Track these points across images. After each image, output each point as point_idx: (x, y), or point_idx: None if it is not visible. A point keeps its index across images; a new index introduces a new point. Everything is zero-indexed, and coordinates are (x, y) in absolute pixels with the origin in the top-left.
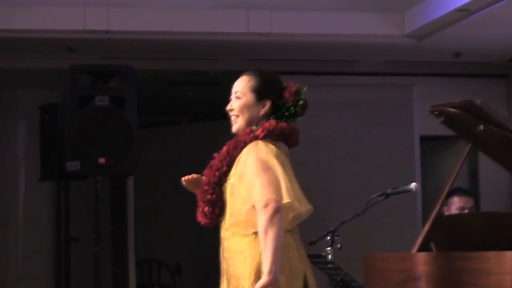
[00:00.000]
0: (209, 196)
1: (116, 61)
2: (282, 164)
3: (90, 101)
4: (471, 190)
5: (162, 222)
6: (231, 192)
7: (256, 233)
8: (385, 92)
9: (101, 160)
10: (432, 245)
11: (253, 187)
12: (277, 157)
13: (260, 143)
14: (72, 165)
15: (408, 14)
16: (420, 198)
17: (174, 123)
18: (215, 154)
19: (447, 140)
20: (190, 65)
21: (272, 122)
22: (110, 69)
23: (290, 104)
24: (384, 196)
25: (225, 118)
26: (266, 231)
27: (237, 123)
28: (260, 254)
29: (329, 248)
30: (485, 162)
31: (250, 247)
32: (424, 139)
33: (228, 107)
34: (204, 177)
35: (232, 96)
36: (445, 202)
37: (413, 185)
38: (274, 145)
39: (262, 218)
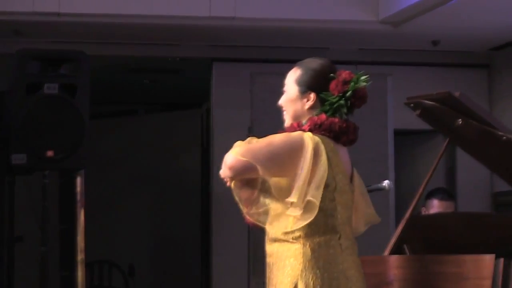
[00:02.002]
0: (236, 191)
1: (67, 46)
2: (328, 160)
3: (39, 89)
4: (449, 189)
5: (115, 221)
6: (259, 186)
7: (298, 238)
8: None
9: (50, 153)
10: (406, 247)
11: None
12: (317, 153)
13: (302, 132)
14: (18, 158)
15: None
16: (393, 197)
17: (130, 113)
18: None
19: (424, 135)
20: (147, 51)
21: (322, 116)
22: (61, 54)
23: (335, 96)
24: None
25: (186, 109)
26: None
27: (286, 120)
28: (302, 265)
29: None
30: (463, 159)
31: (291, 254)
32: (398, 133)
33: (279, 103)
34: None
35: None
36: (423, 202)
37: (386, 183)
38: (322, 140)
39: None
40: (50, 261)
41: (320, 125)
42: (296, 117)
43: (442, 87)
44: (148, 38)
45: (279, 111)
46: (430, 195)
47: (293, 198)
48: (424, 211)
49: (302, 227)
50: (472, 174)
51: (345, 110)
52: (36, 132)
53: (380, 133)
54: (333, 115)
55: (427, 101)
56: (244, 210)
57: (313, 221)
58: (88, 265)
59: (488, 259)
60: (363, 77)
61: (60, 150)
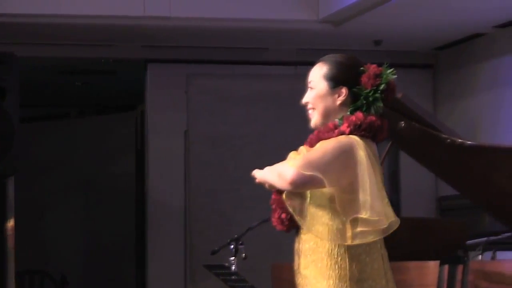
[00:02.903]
0: (289, 202)
1: None
2: (372, 166)
3: None
4: (391, 194)
5: (47, 228)
6: (309, 195)
7: (341, 247)
8: (297, 84)
9: None
10: None
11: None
12: (368, 156)
13: (348, 136)
14: None
15: None
16: None
17: (62, 116)
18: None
19: None
20: (80, 52)
21: (359, 115)
22: None
23: (369, 90)
24: None
25: (120, 111)
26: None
27: (313, 117)
28: (348, 271)
29: (233, 258)
30: (407, 163)
31: (335, 268)
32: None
33: (303, 100)
34: None
35: (308, 87)
36: None
37: None
38: (365, 144)
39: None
40: None
41: (360, 125)
42: (327, 114)
43: None
44: (80, 38)
45: (216, 114)
46: None
47: (369, 215)
48: None
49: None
50: (416, 178)
51: (380, 104)
52: None
53: None
54: (367, 110)
55: None
56: (280, 216)
57: None
58: (18, 275)
59: (432, 266)
60: (389, 70)
61: None
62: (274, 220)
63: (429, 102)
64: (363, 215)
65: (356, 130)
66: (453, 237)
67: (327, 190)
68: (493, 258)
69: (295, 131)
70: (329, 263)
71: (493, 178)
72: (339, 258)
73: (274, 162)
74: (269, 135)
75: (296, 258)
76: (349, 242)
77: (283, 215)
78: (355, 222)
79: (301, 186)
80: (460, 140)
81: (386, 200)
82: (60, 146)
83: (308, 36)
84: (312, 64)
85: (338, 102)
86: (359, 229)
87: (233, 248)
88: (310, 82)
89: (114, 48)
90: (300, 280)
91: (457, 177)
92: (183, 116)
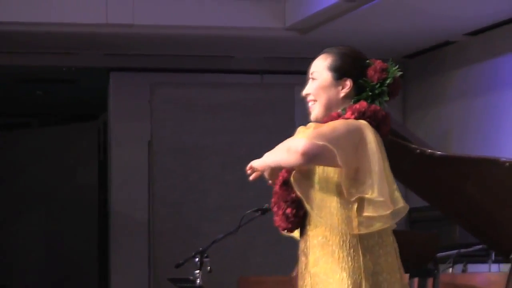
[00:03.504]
0: (293, 195)
1: None
2: (381, 151)
3: None
4: None
5: (6, 240)
6: (317, 180)
7: (353, 238)
8: (263, 93)
9: None
10: None
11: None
12: (377, 141)
13: (356, 120)
14: None
15: (289, 4)
16: None
17: (23, 126)
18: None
19: None
20: (40, 60)
21: (363, 103)
22: None
23: (375, 82)
24: (261, 211)
25: (82, 121)
26: (277, 150)
27: (314, 109)
28: (361, 263)
29: (198, 271)
30: None
31: (348, 260)
32: None
33: (303, 92)
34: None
35: (308, 79)
36: None
37: None
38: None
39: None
40: None
41: (364, 112)
42: (329, 106)
43: None
44: (41, 46)
45: (181, 123)
46: None
47: (375, 195)
48: None
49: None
50: None
51: (387, 97)
52: None
53: None
54: (371, 103)
55: None
56: (284, 212)
57: None
58: None
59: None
60: (395, 67)
61: None
62: (278, 218)
63: (398, 111)
64: (369, 194)
65: (360, 117)
66: (423, 249)
67: (334, 174)
68: (464, 271)
69: (262, 141)
70: (341, 255)
71: (464, 188)
72: (352, 250)
73: (241, 173)
74: (235, 145)
75: (302, 259)
76: (356, 231)
77: (288, 210)
78: (361, 206)
79: (313, 157)
80: (430, 150)
81: (395, 186)
82: (21, 156)
83: (275, 44)
84: (278, 72)
85: (342, 94)
86: (365, 214)
87: (198, 261)
88: (312, 73)
89: (76, 56)
90: (308, 280)
91: (427, 188)
92: (146, 126)
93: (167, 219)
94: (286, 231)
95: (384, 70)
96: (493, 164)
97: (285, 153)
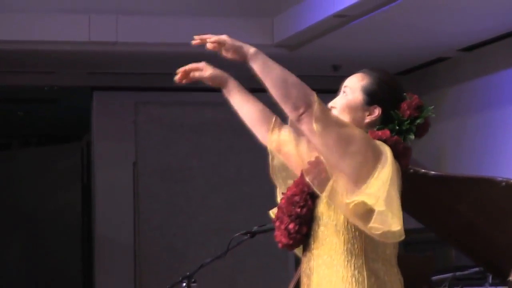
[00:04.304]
0: (298, 210)
1: None
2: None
3: None
4: None
5: None
6: (327, 203)
7: (358, 258)
8: None
9: None
10: None
11: None
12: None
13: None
14: None
15: (277, 20)
16: None
17: (3, 147)
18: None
19: None
20: (21, 79)
21: (387, 131)
22: None
23: (406, 118)
24: (249, 234)
25: (64, 142)
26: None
27: None
28: (366, 285)
29: None
30: None
31: (352, 281)
32: None
33: (331, 103)
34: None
35: (340, 91)
36: None
37: None
38: None
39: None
40: None
41: (385, 140)
42: None
43: None
44: (21, 65)
45: (166, 144)
46: None
47: (362, 197)
48: None
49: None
50: None
51: (412, 136)
52: None
53: None
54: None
55: None
56: (286, 227)
57: (372, 246)
58: None
59: None
60: (430, 108)
61: None
62: (279, 233)
63: None
64: (360, 197)
65: None
66: (418, 272)
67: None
68: None
69: (249, 162)
70: (345, 276)
71: (459, 209)
72: (356, 271)
73: (228, 195)
74: (223, 166)
75: (304, 279)
76: (367, 230)
77: (291, 226)
78: (368, 217)
79: (325, 125)
80: (423, 170)
81: (399, 208)
82: (1, 178)
83: None
84: (265, 91)
85: (367, 120)
86: (371, 225)
87: (185, 286)
88: (345, 87)
89: (58, 75)
90: None
91: (421, 208)
92: (131, 147)
93: (153, 243)
94: (286, 247)
95: (418, 108)
96: (488, 183)
97: (293, 87)
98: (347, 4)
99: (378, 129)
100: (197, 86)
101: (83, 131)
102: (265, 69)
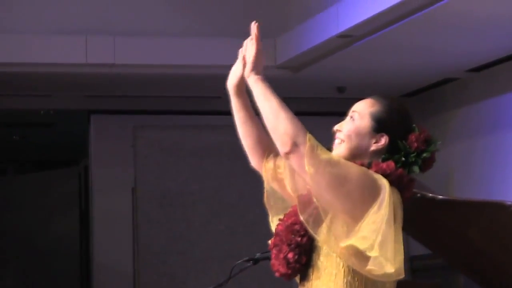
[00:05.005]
0: (298, 239)
1: None
2: (394, 214)
3: None
4: None
5: None
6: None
7: None
8: None
9: None
10: None
11: None
12: (394, 203)
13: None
14: None
15: (280, 41)
16: None
17: None
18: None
19: None
20: (16, 103)
21: (391, 164)
22: None
23: (413, 150)
24: (252, 261)
25: (61, 167)
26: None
27: (338, 149)
28: None
29: None
30: None
31: None
32: None
33: (335, 127)
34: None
35: (348, 116)
36: None
37: None
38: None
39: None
40: None
41: (389, 174)
42: (355, 154)
43: None
44: (17, 88)
45: (166, 168)
46: None
47: (374, 252)
48: None
49: None
50: None
51: (417, 170)
52: None
53: None
54: (400, 167)
55: None
56: (285, 256)
57: (372, 280)
58: None
59: None
60: (438, 142)
61: None
62: (277, 262)
63: None
64: (353, 240)
65: (383, 177)
66: None
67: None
68: None
69: (251, 187)
70: None
71: (467, 235)
72: None
73: (230, 221)
74: (224, 191)
75: None
76: (366, 273)
77: (290, 255)
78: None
79: (316, 163)
80: (430, 194)
81: (402, 249)
82: None
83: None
84: None
85: (373, 147)
86: (368, 267)
87: None
88: (353, 112)
89: (54, 99)
90: None
91: (428, 234)
92: (130, 172)
93: (152, 270)
94: (283, 277)
95: (426, 142)
96: (498, 208)
97: (283, 123)
98: (351, 24)
99: (383, 159)
100: (196, 109)
101: (80, 156)
102: (260, 98)
